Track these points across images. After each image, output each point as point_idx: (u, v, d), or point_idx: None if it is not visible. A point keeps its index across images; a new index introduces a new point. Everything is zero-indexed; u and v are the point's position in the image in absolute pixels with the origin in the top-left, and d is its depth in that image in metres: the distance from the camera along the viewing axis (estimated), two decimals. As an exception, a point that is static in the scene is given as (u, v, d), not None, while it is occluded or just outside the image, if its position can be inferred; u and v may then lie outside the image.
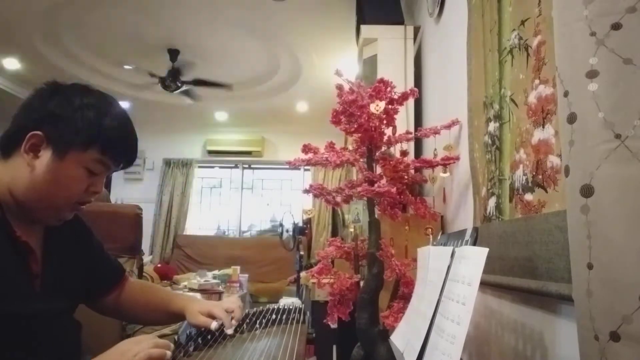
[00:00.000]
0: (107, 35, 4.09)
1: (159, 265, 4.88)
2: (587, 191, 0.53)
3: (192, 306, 1.04)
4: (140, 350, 0.74)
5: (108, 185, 5.80)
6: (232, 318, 1.00)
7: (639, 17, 0.51)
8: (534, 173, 0.92)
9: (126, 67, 4.39)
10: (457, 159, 1.45)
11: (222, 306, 1.02)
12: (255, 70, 4.76)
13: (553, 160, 0.85)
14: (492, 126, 1.16)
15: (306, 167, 5.21)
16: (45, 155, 0.84)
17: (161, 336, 0.96)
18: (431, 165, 1.44)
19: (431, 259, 0.96)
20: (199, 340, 0.93)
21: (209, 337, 0.94)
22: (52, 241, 0.94)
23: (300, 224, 4.23)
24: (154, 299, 1.14)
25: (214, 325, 0.94)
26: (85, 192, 0.89)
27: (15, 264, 0.83)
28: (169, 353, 0.76)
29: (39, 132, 0.84)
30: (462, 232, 0.94)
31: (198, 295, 2.92)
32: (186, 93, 4.80)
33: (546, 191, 0.87)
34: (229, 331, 0.97)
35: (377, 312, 1.14)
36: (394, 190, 1.17)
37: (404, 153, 1.40)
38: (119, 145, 0.92)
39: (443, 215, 1.65)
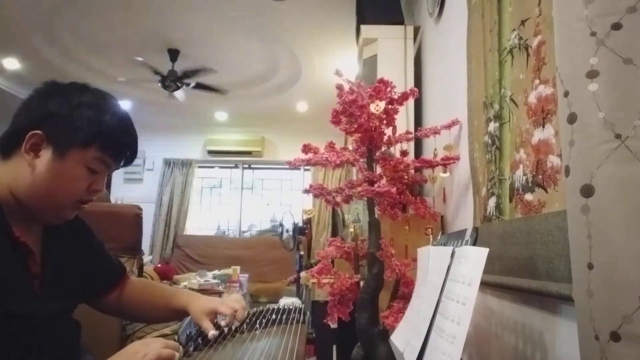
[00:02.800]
0: (107, 35, 4.09)
1: (159, 265, 4.88)
2: (587, 191, 0.53)
3: (196, 304, 1.03)
4: (150, 351, 0.74)
5: (108, 186, 5.80)
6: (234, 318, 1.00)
7: (639, 17, 0.51)
8: (534, 173, 0.92)
9: (137, 58, 4.33)
10: (457, 159, 1.45)
11: (227, 303, 1.02)
12: (256, 70, 4.76)
13: (553, 160, 0.85)
14: (492, 126, 1.16)
15: (306, 167, 5.22)
16: (46, 155, 0.84)
17: (160, 336, 0.96)
18: (431, 165, 1.44)
19: (431, 259, 0.96)
20: (199, 340, 0.93)
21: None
22: (52, 241, 0.94)
23: (300, 224, 4.23)
24: (155, 296, 1.14)
25: (211, 334, 0.94)
26: (86, 190, 0.89)
27: (15, 265, 0.83)
28: (177, 355, 0.77)
29: (39, 132, 0.84)
30: (462, 232, 0.94)
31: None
32: (200, 87, 4.78)
33: (546, 191, 0.87)
34: (223, 323, 0.98)
35: (377, 312, 1.14)
36: (394, 190, 1.17)
37: (404, 153, 1.39)
38: (119, 142, 0.92)
39: (443, 215, 1.65)
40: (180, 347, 0.80)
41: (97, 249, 1.10)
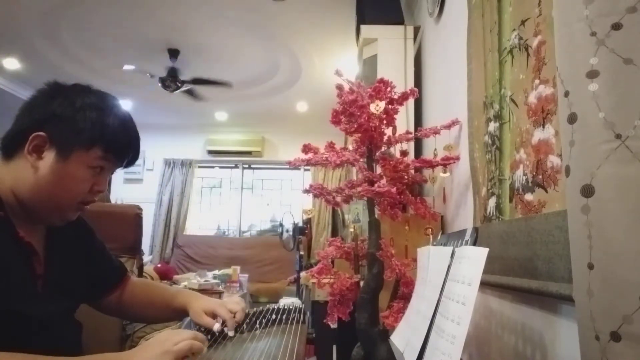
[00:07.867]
0: (107, 35, 4.09)
1: (159, 265, 4.86)
2: (587, 191, 0.53)
3: (195, 304, 1.04)
4: (182, 339, 0.76)
5: (108, 186, 5.79)
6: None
7: (639, 17, 0.51)
8: (534, 173, 0.92)
9: (126, 67, 4.38)
10: (457, 159, 1.45)
11: (226, 306, 1.02)
12: (255, 70, 4.76)
13: (553, 160, 0.85)
14: (492, 126, 1.16)
15: (306, 167, 5.22)
16: (49, 156, 0.84)
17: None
18: (431, 165, 1.44)
19: (431, 259, 0.96)
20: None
21: (209, 337, 0.94)
22: (55, 242, 0.94)
23: (300, 224, 4.23)
24: (156, 296, 1.14)
25: (216, 327, 0.94)
26: (89, 191, 0.89)
27: (19, 265, 0.83)
28: (205, 349, 0.79)
29: (41, 133, 0.84)
30: (462, 232, 0.94)
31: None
32: (189, 93, 4.79)
33: (546, 191, 0.87)
34: (231, 333, 0.98)
35: (377, 312, 1.14)
36: (394, 190, 1.17)
37: (404, 153, 1.39)
38: (122, 143, 0.93)
39: (443, 215, 1.65)
40: (207, 342, 0.82)
41: (99, 249, 1.10)
